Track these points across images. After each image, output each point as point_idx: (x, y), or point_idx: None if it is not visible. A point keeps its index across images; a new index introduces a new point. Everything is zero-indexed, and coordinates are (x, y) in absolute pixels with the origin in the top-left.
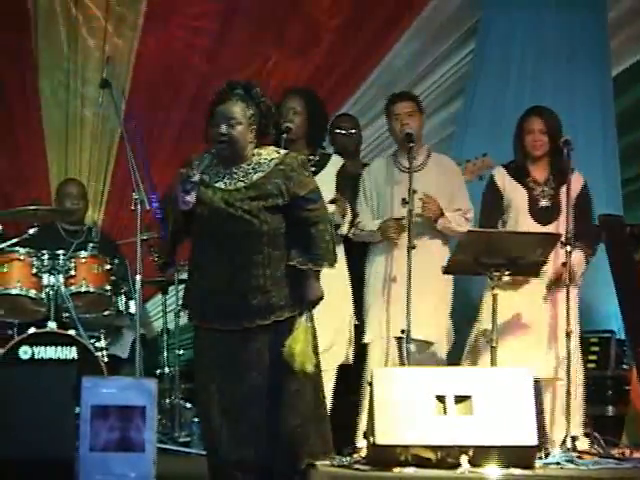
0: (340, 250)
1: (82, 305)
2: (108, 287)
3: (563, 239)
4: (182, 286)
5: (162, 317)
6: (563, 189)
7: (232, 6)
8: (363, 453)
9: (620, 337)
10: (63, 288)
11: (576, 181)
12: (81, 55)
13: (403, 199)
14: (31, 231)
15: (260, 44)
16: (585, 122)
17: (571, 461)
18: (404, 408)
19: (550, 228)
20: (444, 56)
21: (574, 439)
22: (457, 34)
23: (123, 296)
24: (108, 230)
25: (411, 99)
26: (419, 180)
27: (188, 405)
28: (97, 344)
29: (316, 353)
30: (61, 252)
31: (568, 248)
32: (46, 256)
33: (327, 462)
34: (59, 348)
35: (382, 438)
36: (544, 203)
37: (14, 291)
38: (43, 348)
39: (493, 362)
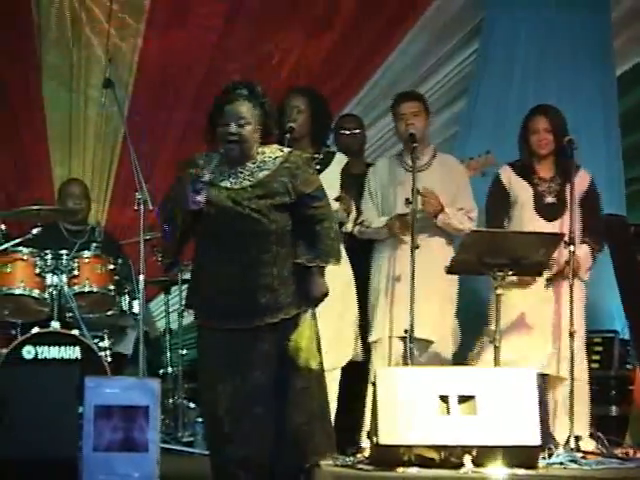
0: (342, 249)
1: (85, 305)
2: (111, 287)
3: (567, 238)
4: (185, 286)
5: (165, 317)
6: (569, 186)
7: (236, 6)
8: (367, 453)
9: (624, 337)
10: (66, 288)
11: (583, 178)
12: (84, 55)
13: (407, 199)
14: (34, 231)
15: (262, 44)
16: (588, 122)
17: (574, 461)
18: (407, 408)
19: (555, 224)
20: (447, 56)
21: (577, 439)
22: (460, 34)
23: (126, 296)
24: (111, 230)
25: (417, 99)
26: (423, 180)
27: (191, 405)
28: (100, 344)
29: (319, 352)
30: (64, 252)
31: (572, 248)
32: (49, 256)
33: (331, 462)
34: (62, 348)
35: (385, 438)
36: (550, 199)
37: (17, 291)
38: (46, 348)
39: (496, 362)
